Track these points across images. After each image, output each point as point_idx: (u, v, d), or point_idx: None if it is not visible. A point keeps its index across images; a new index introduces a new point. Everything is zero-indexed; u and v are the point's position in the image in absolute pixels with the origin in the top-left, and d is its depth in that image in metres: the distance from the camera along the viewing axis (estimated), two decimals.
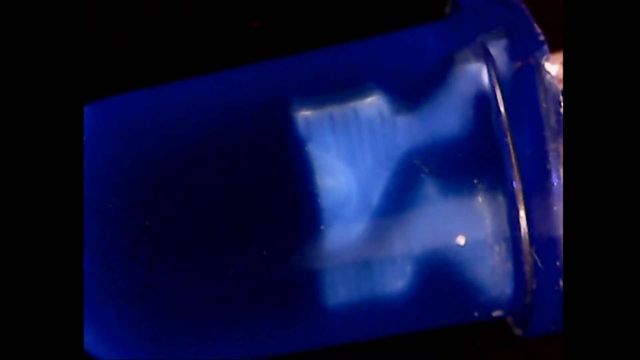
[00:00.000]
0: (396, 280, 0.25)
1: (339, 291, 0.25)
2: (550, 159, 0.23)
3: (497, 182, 0.24)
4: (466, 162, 0.24)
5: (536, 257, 0.24)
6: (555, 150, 0.23)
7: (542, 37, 0.24)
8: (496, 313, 0.26)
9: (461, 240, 0.24)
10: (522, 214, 0.24)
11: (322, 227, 0.24)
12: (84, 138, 0.26)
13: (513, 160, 0.24)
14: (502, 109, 0.24)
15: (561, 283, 0.24)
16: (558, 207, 0.23)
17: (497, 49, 0.25)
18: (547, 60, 0.24)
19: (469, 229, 0.24)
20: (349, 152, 0.24)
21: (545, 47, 0.24)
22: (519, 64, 0.24)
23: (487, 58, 0.25)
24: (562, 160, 0.23)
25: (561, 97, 0.24)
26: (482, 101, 0.24)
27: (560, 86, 0.24)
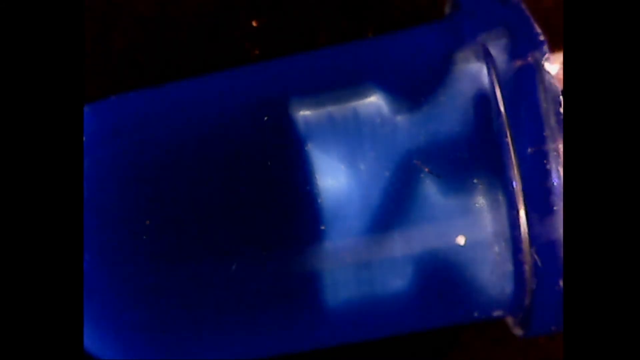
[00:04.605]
0: (396, 280, 0.25)
1: (340, 291, 0.25)
2: (550, 158, 0.23)
3: (497, 182, 0.24)
4: (466, 162, 0.24)
5: (536, 257, 0.24)
6: (555, 150, 0.23)
7: (541, 37, 0.24)
8: (496, 313, 0.26)
9: (461, 240, 0.24)
10: (522, 214, 0.24)
11: (322, 228, 0.24)
12: (84, 138, 0.26)
13: (513, 160, 0.24)
14: (502, 109, 0.24)
15: (561, 283, 0.24)
16: (558, 207, 0.23)
17: (497, 49, 0.25)
18: (547, 60, 0.24)
19: (469, 229, 0.24)
20: (349, 152, 0.24)
21: (545, 47, 0.24)
22: (518, 63, 0.24)
23: (487, 58, 0.25)
24: (562, 160, 0.23)
25: (561, 97, 0.24)
26: (482, 101, 0.24)
27: (560, 86, 0.24)
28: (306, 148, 0.24)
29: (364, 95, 0.25)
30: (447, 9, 0.28)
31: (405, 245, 0.24)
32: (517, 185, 0.24)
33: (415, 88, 0.25)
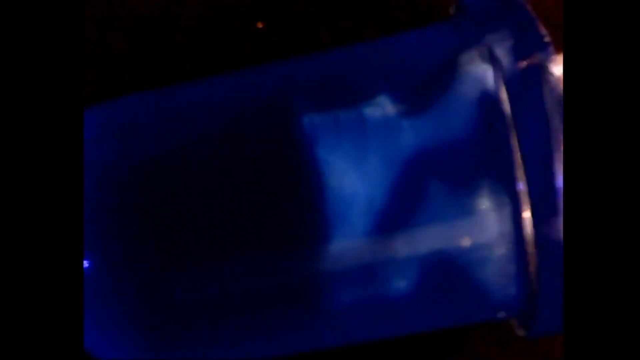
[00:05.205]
0: (401, 281, 0.25)
1: (345, 293, 0.25)
2: (555, 160, 0.23)
3: (502, 184, 0.24)
4: (471, 163, 0.24)
5: (540, 259, 0.24)
6: (560, 151, 0.23)
7: (547, 39, 0.24)
8: (500, 314, 0.26)
9: (466, 241, 0.24)
10: (526, 215, 0.24)
11: (328, 229, 0.24)
12: (85, 140, 0.25)
13: (518, 161, 0.24)
14: (507, 110, 0.24)
15: None
16: (563, 209, 0.23)
17: (502, 51, 0.25)
18: (552, 61, 0.24)
19: (474, 231, 0.24)
20: (354, 154, 0.24)
21: (550, 48, 0.24)
22: (524, 65, 0.24)
23: (493, 59, 0.25)
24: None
25: None
26: (488, 103, 0.24)
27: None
28: (311, 150, 0.24)
29: (370, 96, 0.25)
30: (451, 10, 0.28)
31: (411, 246, 0.24)
32: (522, 186, 0.24)
33: (420, 89, 0.25)
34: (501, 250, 0.24)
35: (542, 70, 0.24)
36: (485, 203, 0.24)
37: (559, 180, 0.23)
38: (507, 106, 0.24)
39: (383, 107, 0.25)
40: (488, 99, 0.24)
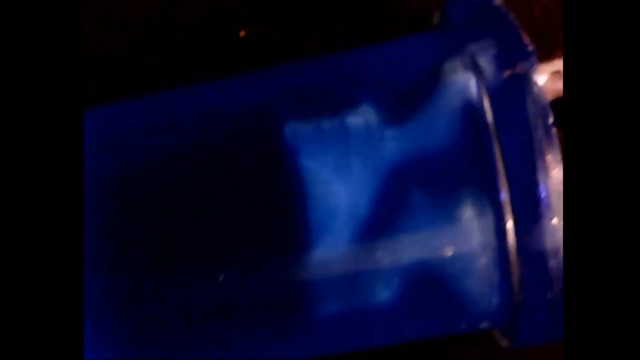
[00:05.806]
0: (384, 292, 0.25)
1: (328, 303, 0.25)
2: (538, 170, 0.23)
3: (485, 193, 0.24)
4: (454, 173, 0.24)
5: (524, 269, 0.24)
6: (544, 161, 0.23)
7: (530, 48, 0.24)
8: (484, 324, 0.26)
9: (449, 251, 0.24)
10: (509, 225, 0.24)
11: (311, 238, 0.24)
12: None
13: (501, 171, 0.24)
14: (490, 120, 0.24)
15: (549, 295, 0.24)
16: (546, 218, 0.23)
17: (486, 60, 0.24)
18: (534, 71, 0.24)
19: (456, 241, 0.24)
20: (337, 163, 0.24)
21: (534, 57, 0.24)
22: (507, 74, 0.24)
23: (476, 69, 0.24)
24: (550, 171, 0.23)
25: (548, 108, 0.24)
26: (471, 112, 0.24)
27: (548, 97, 0.24)
28: (295, 159, 0.24)
29: (352, 106, 0.25)
30: (435, 20, 0.28)
31: (393, 256, 0.24)
32: (504, 196, 0.24)
33: (403, 99, 0.25)
34: (484, 260, 0.24)
35: (525, 80, 0.24)
36: (468, 212, 0.24)
37: (542, 190, 0.23)
38: (490, 115, 0.24)
39: (366, 116, 0.25)
40: (471, 108, 0.24)
